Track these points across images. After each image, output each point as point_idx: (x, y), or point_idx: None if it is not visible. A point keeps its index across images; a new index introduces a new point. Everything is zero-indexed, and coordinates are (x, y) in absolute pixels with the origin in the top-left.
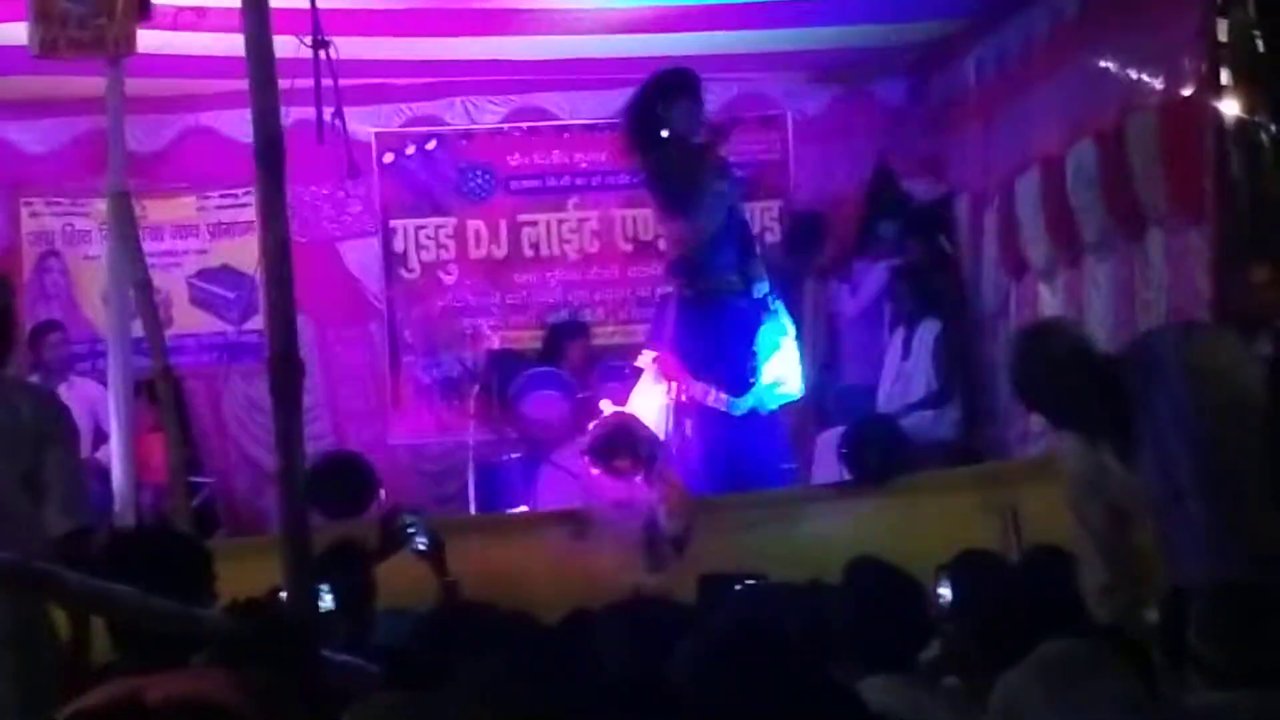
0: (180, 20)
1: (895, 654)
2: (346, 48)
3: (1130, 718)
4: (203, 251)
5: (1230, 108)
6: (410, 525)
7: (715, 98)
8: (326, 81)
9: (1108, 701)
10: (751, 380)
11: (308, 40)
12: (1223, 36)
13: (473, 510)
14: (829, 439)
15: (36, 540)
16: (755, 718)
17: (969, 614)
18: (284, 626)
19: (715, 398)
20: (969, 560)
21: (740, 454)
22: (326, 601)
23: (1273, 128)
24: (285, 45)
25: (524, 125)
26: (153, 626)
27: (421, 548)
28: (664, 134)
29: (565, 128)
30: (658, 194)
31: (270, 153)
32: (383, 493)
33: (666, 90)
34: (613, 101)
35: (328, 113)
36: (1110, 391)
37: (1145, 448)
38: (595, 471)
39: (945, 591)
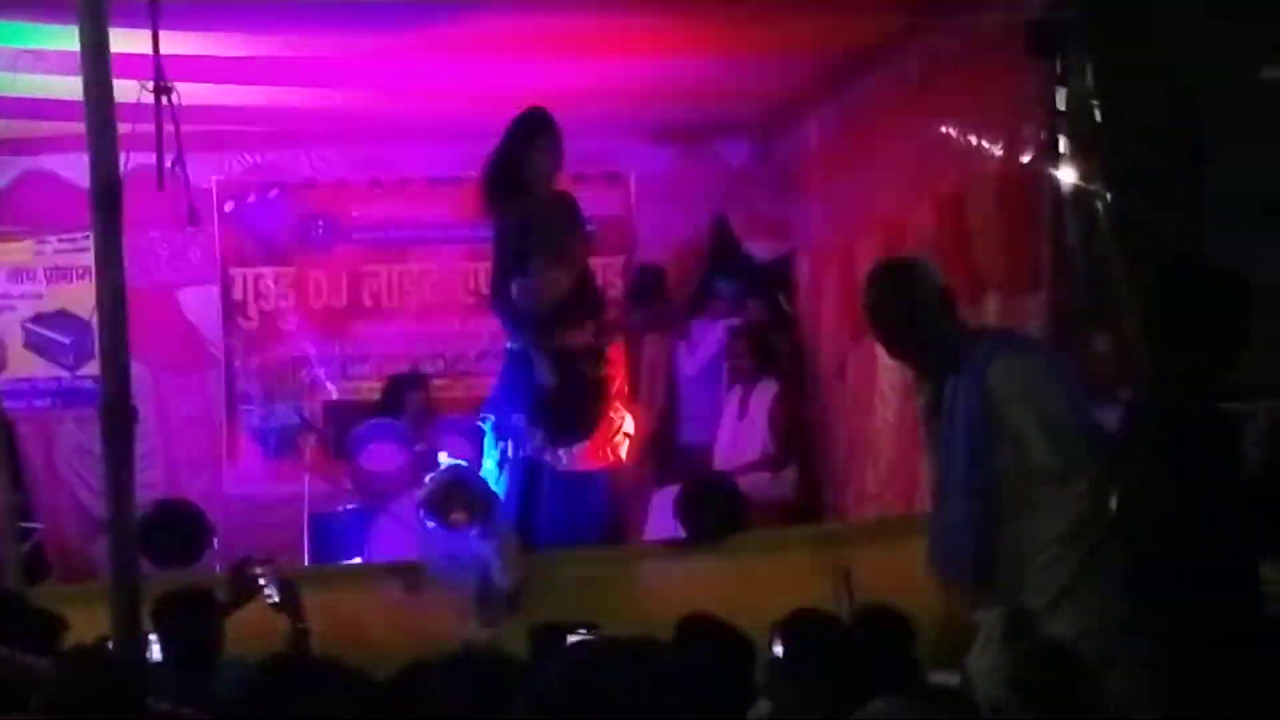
0: (19, 62)
1: (724, 711)
2: (190, 94)
3: None
4: (39, 295)
5: (1068, 176)
6: (261, 575)
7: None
8: (168, 127)
9: None
10: (587, 436)
11: (149, 85)
12: (1061, 105)
13: (306, 561)
14: (665, 496)
15: None
16: None
17: (800, 672)
18: (110, 675)
19: (553, 454)
20: (801, 619)
21: (570, 510)
22: (155, 651)
23: (1109, 196)
24: (127, 90)
25: (367, 177)
26: None
27: (274, 598)
28: (525, 179)
29: (408, 180)
30: (516, 244)
31: (107, 197)
32: (216, 542)
33: (528, 130)
34: (456, 155)
35: (168, 159)
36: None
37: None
38: (430, 524)
39: (779, 649)
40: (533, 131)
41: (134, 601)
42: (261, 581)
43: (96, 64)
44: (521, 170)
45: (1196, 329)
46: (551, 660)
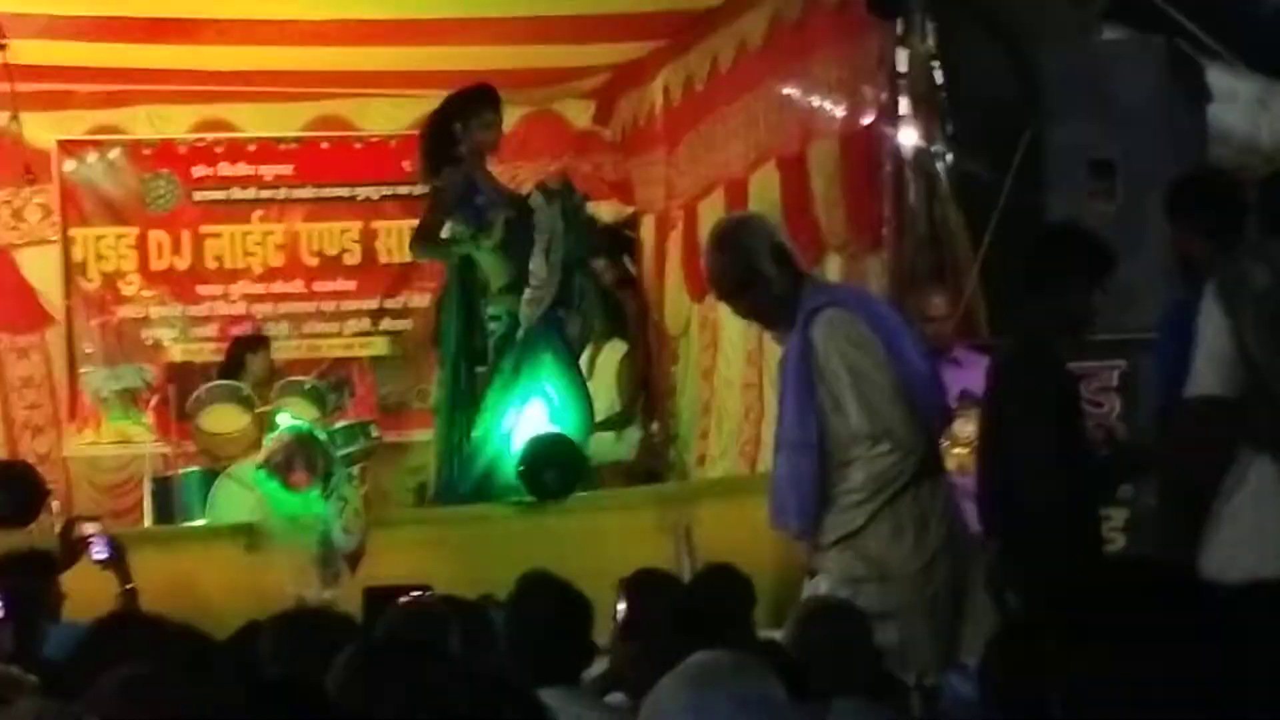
0: None
1: (559, 669)
2: (29, 52)
3: (763, 711)
4: None
5: (908, 137)
6: (90, 535)
7: (403, 113)
8: (3, 85)
9: (741, 704)
10: None
11: None
12: (902, 67)
13: (148, 523)
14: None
15: None
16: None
17: (641, 631)
18: None
19: None
20: (643, 578)
21: None
22: None
23: (949, 157)
24: None
25: (209, 136)
26: None
27: (101, 557)
28: (461, 153)
29: (251, 140)
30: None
31: None
32: (56, 504)
33: (465, 105)
34: (298, 114)
35: (3, 118)
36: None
37: None
38: (272, 484)
39: (621, 608)
40: (469, 112)
41: None
42: (89, 541)
43: None
44: (459, 143)
45: (1054, 283)
46: (382, 618)
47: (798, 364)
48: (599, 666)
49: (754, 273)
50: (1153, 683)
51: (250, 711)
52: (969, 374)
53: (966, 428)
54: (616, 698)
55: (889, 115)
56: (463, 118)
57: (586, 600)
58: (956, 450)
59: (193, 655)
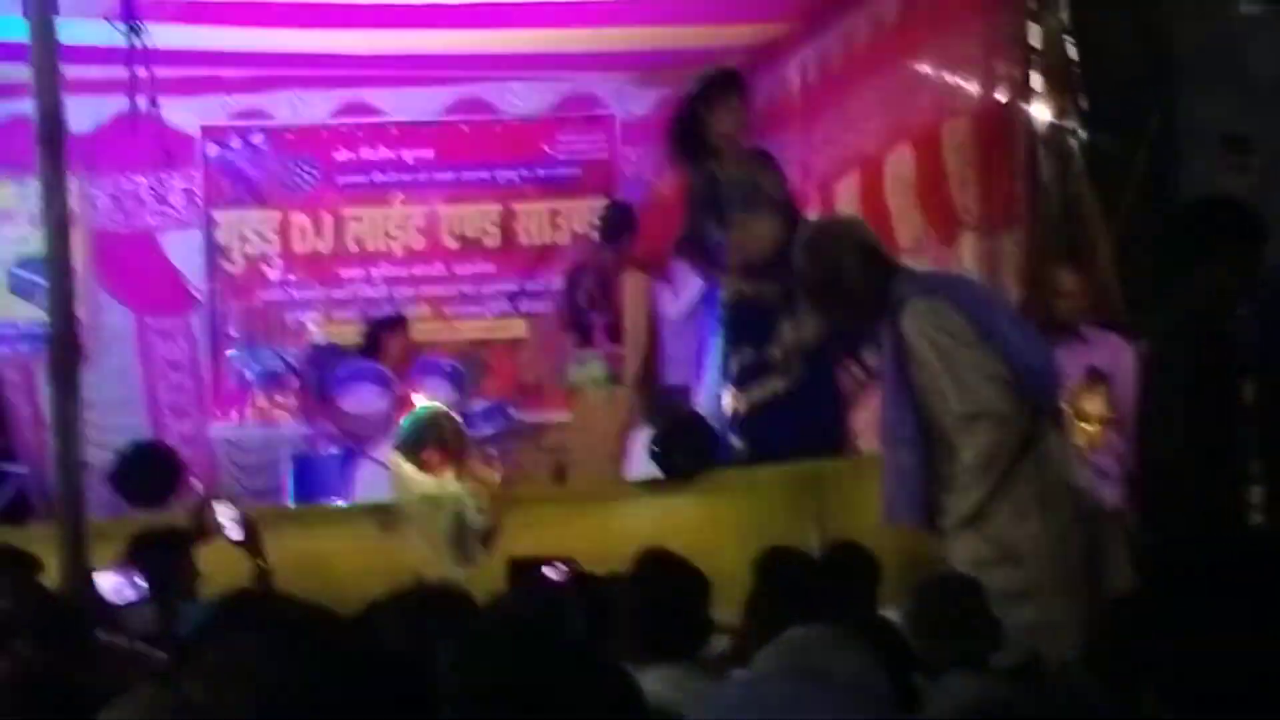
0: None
1: (677, 645)
2: (171, 37)
3: (856, 694)
4: (23, 239)
5: (1042, 113)
6: (223, 513)
7: (543, 96)
8: (141, 71)
9: (838, 680)
10: None
11: (122, 27)
12: (1035, 42)
13: (289, 502)
14: (644, 437)
15: None
16: (515, 701)
17: (772, 608)
18: (56, 609)
19: None
20: (773, 556)
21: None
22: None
23: (1083, 134)
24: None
25: (350, 120)
26: None
27: (234, 535)
28: (709, 138)
29: (391, 123)
30: (707, 200)
31: (51, 135)
32: (198, 484)
33: (709, 90)
34: (439, 98)
35: (142, 102)
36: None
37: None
38: (405, 465)
39: (754, 585)
40: (717, 92)
41: (80, 538)
42: (222, 520)
43: (39, 3)
44: (705, 130)
45: (1214, 261)
46: (503, 596)
47: (891, 358)
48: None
49: (836, 280)
50: (1251, 660)
51: (350, 688)
52: (1097, 351)
53: (1095, 404)
54: (742, 673)
55: (1022, 91)
56: (707, 103)
57: (703, 576)
58: (1086, 427)
59: (312, 632)
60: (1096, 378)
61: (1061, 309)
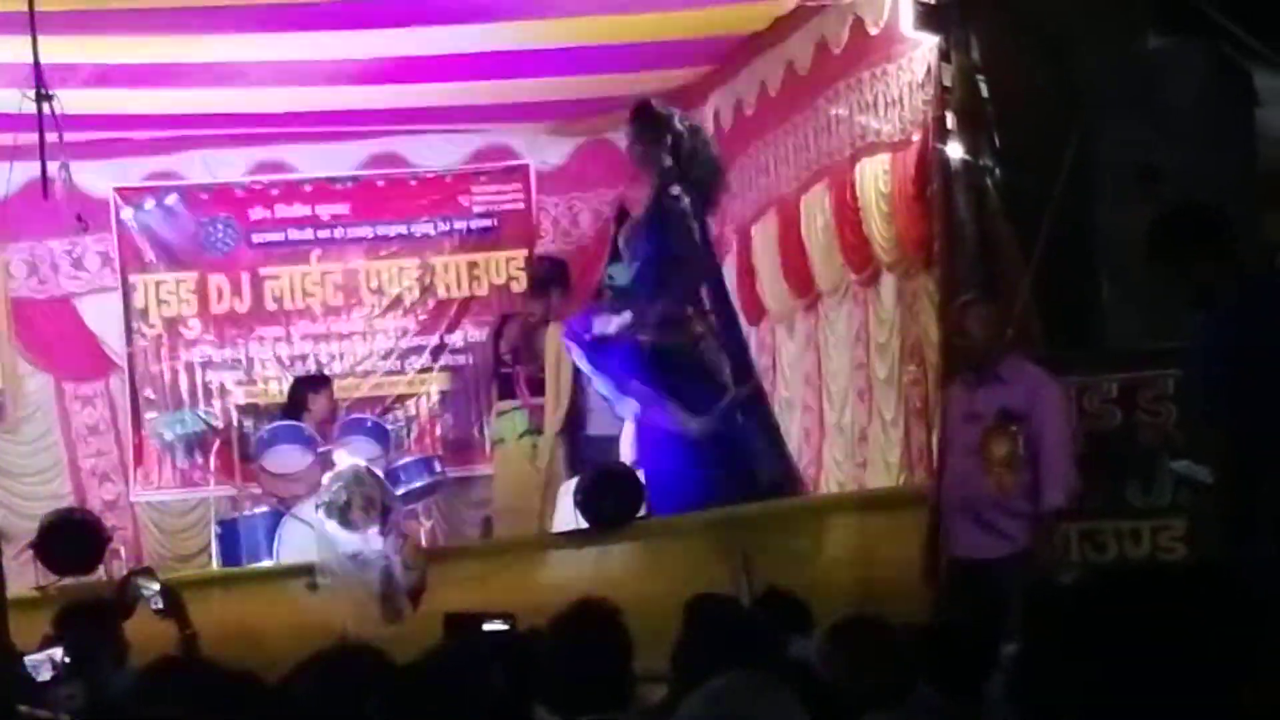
0: None
1: (603, 699)
2: (81, 102)
3: None
4: None
5: (956, 151)
6: (144, 586)
7: (458, 149)
8: (52, 136)
9: None
10: None
11: (31, 94)
12: (948, 81)
13: (215, 565)
14: (570, 488)
15: None
16: None
17: (701, 655)
18: None
19: None
20: (702, 603)
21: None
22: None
23: (997, 171)
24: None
25: (265, 179)
26: None
27: (158, 606)
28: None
29: (307, 181)
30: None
31: None
32: (122, 550)
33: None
34: (354, 153)
35: (54, 168)
36: None
37: None
38: (331, 524)
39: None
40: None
41: (0, 613)
42: (144, 593)
43: None
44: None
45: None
46: (430, 652)
47: None
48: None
49: None
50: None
51: None
52: (1012, 391)
53: (1004, 446)
54: None
55: (936, 131)
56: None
57: (626, 628)
58: (998, 470)
59: (245, 698)
60: (1008, 419)
61: (978, 346)
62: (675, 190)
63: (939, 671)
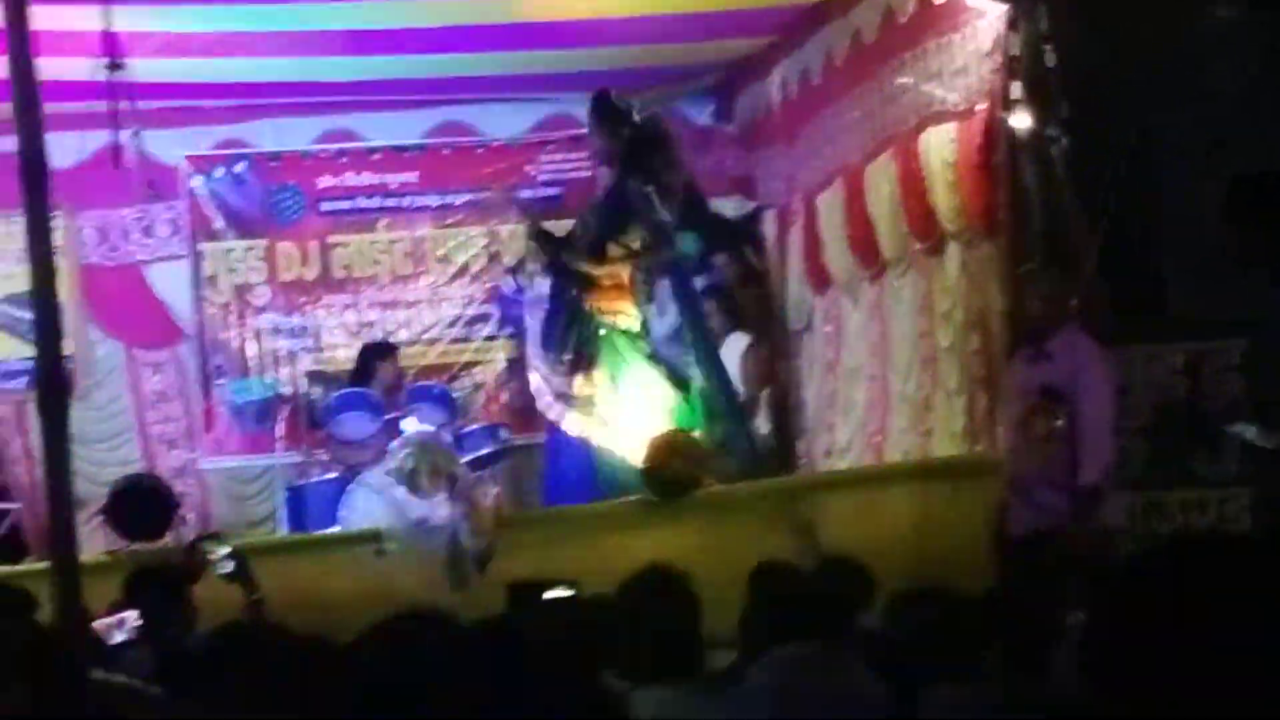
0: None
1: (672, 665)
2: (152, 70)
3: (851, 708)
4: (9, 276)
5: (1022, 121)
6: (213, 550)
7: (525, 118)
8: (123, 104)
9: (834, 694)
10: None
11: (103, 62)
12: (1014, 51)
13: (283, 531)
14: None
15: None
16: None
17: (765, 623)
18: (48, 647)
19: None
20: (765, 571)
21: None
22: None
23: (1063, 140)
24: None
25: (333, 147)
26: None
27: (226, 570)
28: None
29: (375, 149)
30: None
31: (33, 174)
32: (191, 516)
33: None
34: (421, 122)
35: (125, 136)
36: None
37: None
38: (398, 491)
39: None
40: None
41: (73, 576)
42: (213, 557)
43: (19, 40)
44: None
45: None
46: (498, 619)
47: None
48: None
49: None
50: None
51: (342, 717)
52: (1057, 365)
53: (1046, 421)
54: (731, 691)
55: (1002, 100)
56: None
57: (695, 595)
58: (1039, 444)
59: (305, 662)
60: (1051, 395)
61: (1035, 318)
62: (636, 180)
63: (1005, 642)
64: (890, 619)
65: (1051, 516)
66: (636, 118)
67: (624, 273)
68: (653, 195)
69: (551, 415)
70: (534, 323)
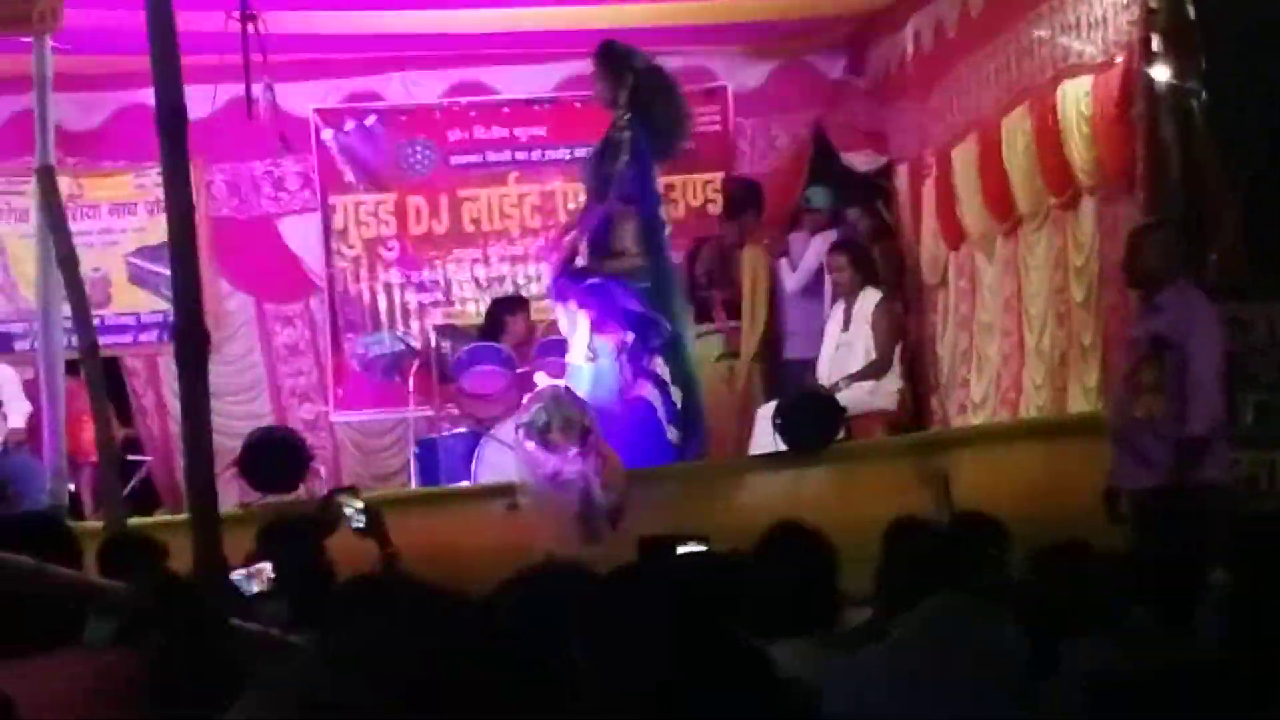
0: None
1: (809, 619)
2: (283, 23)
3: (1000, 661)
4: (141, 229)
5: (1162, 75)
6: (347, 503)
7: None
8: (256, 57)
9: (982, 647)
10: None
11: (236, 15)
12: (1153, 3)
13: (413, 485)
14: (767, 412)
15: None
16: (648, 676)
17: (897, 580)
18: (187, 596)
19: None
20: (901, 527)
21: None
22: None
23: (1203, 95)
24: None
25: (463, 100)
26: (54, 596)
27: (359, 525)
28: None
29: (505, 102)
30: None
31: (172, 124)
32: (322, 469)
33: None
34: (552, 75)
35: (258, 89)
36: None
37: None
38: (530, 445)
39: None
40: None
41: (212, 527)
42: (346, 512)
43: None
44: None
45: None
46: (633, 573)
47: None
48: (862, 616)
49: None
50: None
51: (481, 670)
52: (1165, 317)
53: (1154, 373)
54: (875, 647)
55: (1142, 52)
56: None
57: (833, 548)
58: (1146, 397)
59: (438, 613)
60: (1159, 346)
61: (1148, 270)
62: (623, 126)
63: (1149, 598)
64: (1035, 573)
65: (1156, 469)
66: (640, 66)
67: None
68: (628, 142)
69: None
70: None
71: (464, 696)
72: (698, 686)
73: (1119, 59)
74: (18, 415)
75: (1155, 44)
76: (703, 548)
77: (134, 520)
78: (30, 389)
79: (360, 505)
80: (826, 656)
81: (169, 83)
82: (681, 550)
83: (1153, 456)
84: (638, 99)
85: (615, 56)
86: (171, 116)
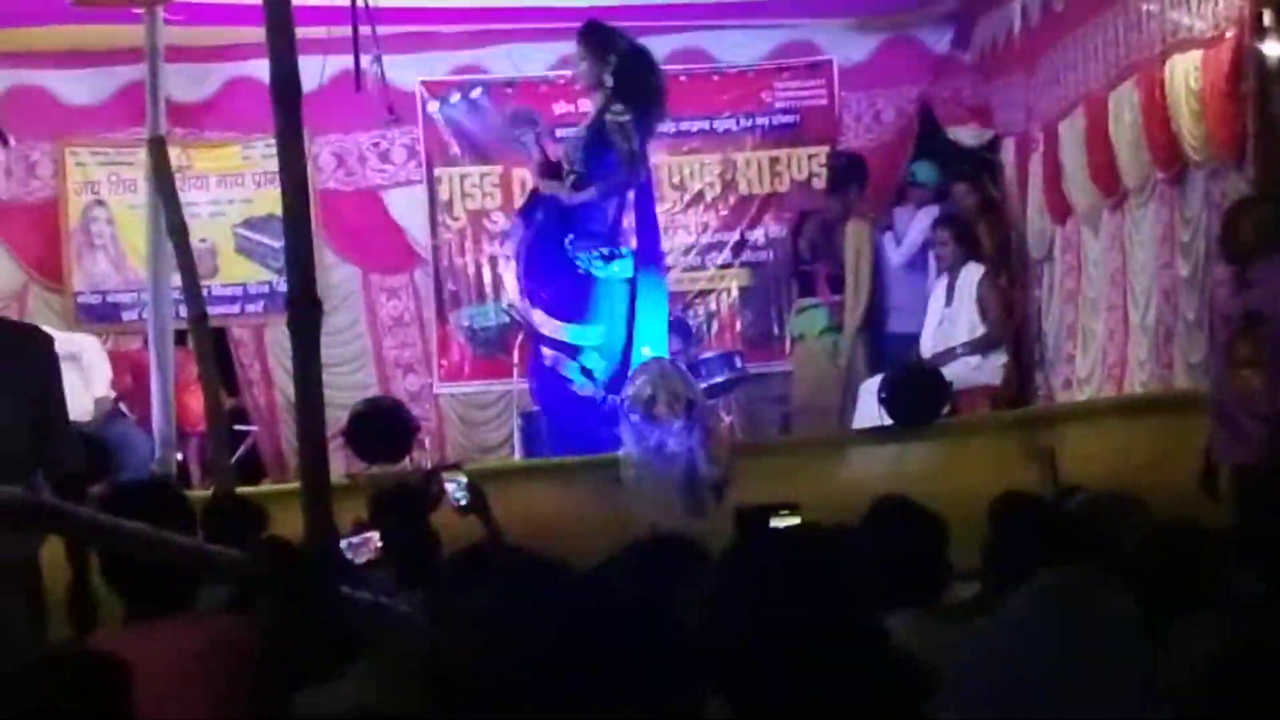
0: None
1: (917, 592)
2: None
3: (1120, 634)
4: (248, 200)
5: (1273, 49)
6: (450, 482)
7: (762, 44)
8: (364, 29)
9: (1100, 620)
10: None
11: None
12: None
13: (518, 457)
14: (870, 386)
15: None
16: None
17: (1005, 554)
18: (300, 564)
19: None
20: (1008, 502)
21: None
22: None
23: None
24: None
25: (568, 73)
26: (169, 563)
27: (462, 503)
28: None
29: None
30: None
31: (286, 94)
32: (428, 440)
33: None
34: (657, 48)
35: (366, 61)
36: None
37: None
38: (635, 417)
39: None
40: None
41: (323, 496)
42: (449, 487)
43: None
44: None
45: None
46: (738, 546)
47: None
48: (969, 590)
49: None
50: None
51: (588, 640)
52: (1257, 292)
53: (1249, 348)
54: (986, 621)
55: (1252, 26)
56: None
57: (941, 521)
58: (1243, 371)
59: (546, 585)
60: (1254, 321)
61: (1244, 246)
62: (618, 108)
63: (1260, 571)
64: (1147, 548)
65: (1252, 444)
66: (623, 46)
67: None
68: (629, 126)
69: None
70: None
71: (574, 666)
72: (820, 661)
73: (1229, 34)
74: (101, 383)
75: (1266, 19)
76: (795, 519)
77: (240, 490)
78: (137, 359)
79: (464, 481)
80: (931, 630)
81: (283, 54)
82: (775, 520)
83: (1249, 432)
84: (621, 79)
85: (598, 37)
86: (286, 87)
